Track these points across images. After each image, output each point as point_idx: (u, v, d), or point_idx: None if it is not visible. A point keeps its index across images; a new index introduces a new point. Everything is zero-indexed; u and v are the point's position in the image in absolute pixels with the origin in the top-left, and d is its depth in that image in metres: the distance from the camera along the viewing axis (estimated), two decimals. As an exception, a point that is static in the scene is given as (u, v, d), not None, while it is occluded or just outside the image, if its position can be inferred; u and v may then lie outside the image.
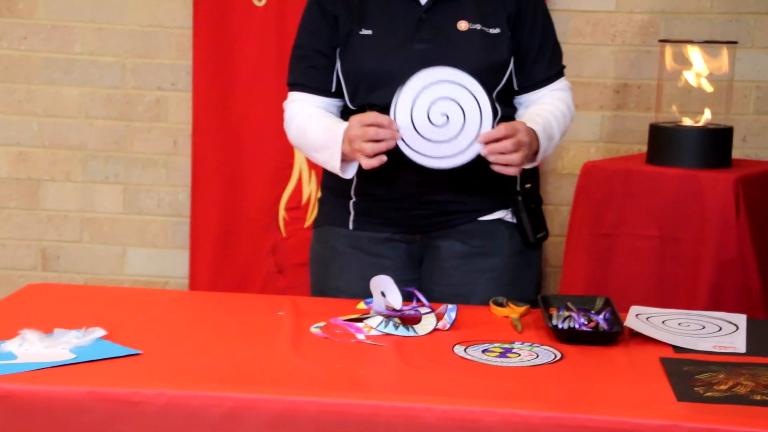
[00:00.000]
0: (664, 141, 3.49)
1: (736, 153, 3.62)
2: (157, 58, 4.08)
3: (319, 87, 2.60)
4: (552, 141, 2.55)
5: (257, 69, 3.97)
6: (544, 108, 2.57)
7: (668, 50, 3.64)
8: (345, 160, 2.49)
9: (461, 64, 2.46)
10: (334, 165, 2.51)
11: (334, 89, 2.60)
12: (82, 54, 4.10)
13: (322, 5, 2.58)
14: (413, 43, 2.50)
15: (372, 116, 2.39)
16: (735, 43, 3.68)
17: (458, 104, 2.39)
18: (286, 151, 4.00)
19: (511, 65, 2.56)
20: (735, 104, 3.81)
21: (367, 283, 2.41)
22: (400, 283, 2.37)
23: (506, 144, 2.37)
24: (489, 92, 2.45)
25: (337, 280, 2.62)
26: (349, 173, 2.53)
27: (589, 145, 3.99)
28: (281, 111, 3.97)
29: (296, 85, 2.63)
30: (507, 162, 2.38)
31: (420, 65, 2.45)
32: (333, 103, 2.61)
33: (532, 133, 2.45)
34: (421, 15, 2.51)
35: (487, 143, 2.36)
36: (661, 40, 3.75)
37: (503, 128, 2.38)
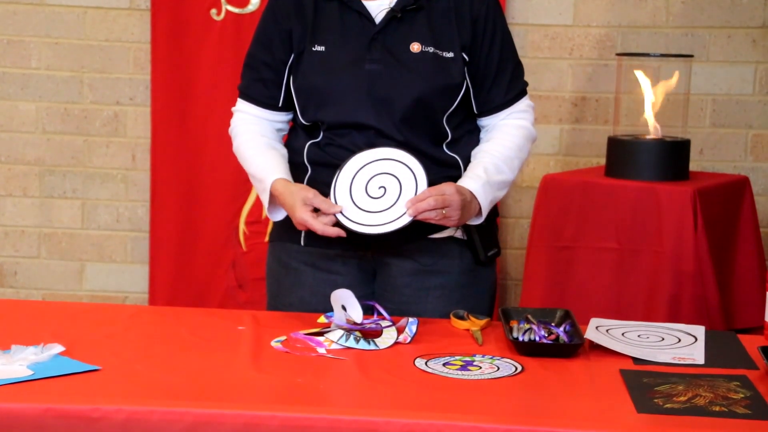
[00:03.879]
0: (623, 154, 3.51)
1: (693, 166, 3.65)
2: (115, 73, 4.06)
3: (264, 101, 2.59)
4: (504, 185, 2.53)
5: (216, 83, 3.97)
6: (495, 150, 2.54)
7: (625, 64, 3.67)
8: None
9: (410, 85, 2.46)
10: (264, 207, 2.55)
11: (281, 104, 2.59)
12: (39, 69, 4.07)
13: (276, 18, 2.57)
14: (364, 62, 2.49)
15: (316, 202, 2.40)
16: (691, 56, 3.72)
17: (395, 176, 2.41)
18: (245, 165, 3.99)
19: (464, 89, 2.54)
20: (691, 117, 3.85)
21: (320, 299, 2.40)
22: (359, 298, 2.37)
23: (429, 201, 2.37)
24: (436, 123, 2.49)
25: (290, 296, 2.61)
26: (278, 217, 2.55)
27: (548, 158, 4.01)
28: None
29: (243, 94, 2.63)
30: (427, 219, 2.39)
31: (370, 84, 2.47)
32: (279, 117, 2.61)
33: (466, 192, 2.43)
34: (373, 35, 2.50)
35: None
36: (618, 54, 3.78)
37: (427, 191, 2.39)
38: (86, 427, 1.85)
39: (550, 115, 3.98)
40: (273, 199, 2.50)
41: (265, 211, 2.57)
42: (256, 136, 2.59)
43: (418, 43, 2.50)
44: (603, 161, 3.62)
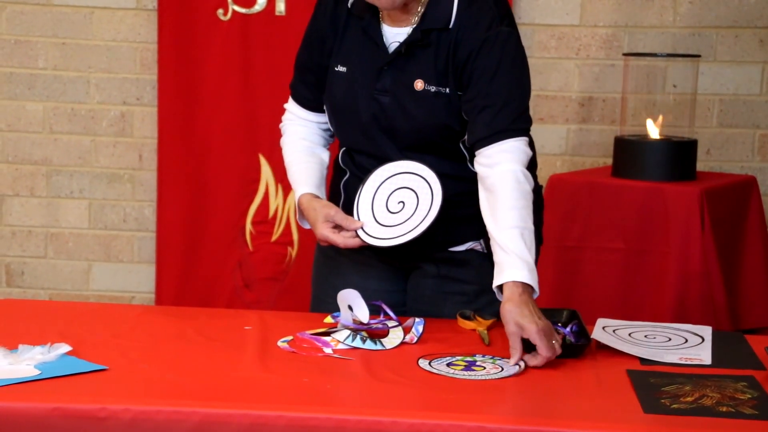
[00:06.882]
0: (629, 154, 3.51)
1: (701, 166, 3.65)
2: (122, 73, 4.07)
3: (307, 103, 2.61)
4: (533, 237, 2.35)
5: (222, 83, 3.97)
6: (510, 228, 2.33)
7: (632, 64, 3.67)
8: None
9: (412, 122, 2.45)
10: (297, 217, 2.59)
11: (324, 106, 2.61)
12: (46, 69, 4.08)
13: (317, 22, 2.57)
14: (373, 91, 2.49)
15: (338, 219, 2.43)
16: (698, 56, 3.71)
17: (413, 191, 2.42)
18: (252, 164, 3.99)
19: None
20: (698, 117, 3.85)
21: (358, 289, 2.41)
22: (390, 293, 2.43)
23: (545, 353, 2.17)
24: (452, 147, 2.47)
25: (325, 284, 2.65)
26: (308, 225, 2.57)
27: (554, 159, 4.01)
28: (247, 125, 3.94)
29: (292, 93, 2.66)
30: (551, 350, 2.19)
31: (378, 113, 2.46)
32: (323, 118, 2.62)
33: (527, 288, 2.26)
34: (383, 66, 2.48)
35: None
36: (625, 54, 3.78)
37: (516, 348, 2.18)
38: (93, 427, 1.85)
39: (557, 115, 3.98)
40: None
41: (297, 220, 2.60)
42: (298, 141, 2.62)
43: (422, 81, 2.47)
44: (610, 161, 3.61)
